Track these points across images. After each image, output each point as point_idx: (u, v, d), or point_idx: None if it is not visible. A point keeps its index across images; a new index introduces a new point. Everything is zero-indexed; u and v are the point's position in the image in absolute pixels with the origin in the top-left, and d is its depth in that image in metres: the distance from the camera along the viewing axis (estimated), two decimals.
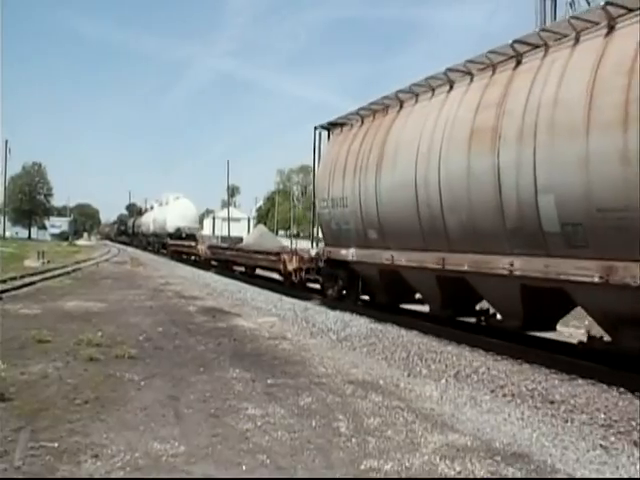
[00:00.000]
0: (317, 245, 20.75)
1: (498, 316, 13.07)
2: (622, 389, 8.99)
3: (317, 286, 21.05)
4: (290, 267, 21.84)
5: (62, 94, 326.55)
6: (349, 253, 16.91)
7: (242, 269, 31.48)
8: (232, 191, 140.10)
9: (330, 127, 19.77)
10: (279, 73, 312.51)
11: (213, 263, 36.63)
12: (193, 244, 45.20)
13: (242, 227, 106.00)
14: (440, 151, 12.63)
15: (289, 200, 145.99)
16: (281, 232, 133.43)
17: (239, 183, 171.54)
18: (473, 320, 13.93)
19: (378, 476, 5.53)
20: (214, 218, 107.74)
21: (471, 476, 5.60)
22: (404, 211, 13.89)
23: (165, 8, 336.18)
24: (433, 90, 14.06)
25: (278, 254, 23.54)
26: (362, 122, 17.49)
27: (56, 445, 5.94)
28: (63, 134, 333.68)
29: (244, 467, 5.59)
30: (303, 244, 60.98)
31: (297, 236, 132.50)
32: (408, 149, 13.94)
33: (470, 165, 11.66)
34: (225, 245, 38.18)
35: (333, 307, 18.26)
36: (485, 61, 12.32)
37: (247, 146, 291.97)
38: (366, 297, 18.27)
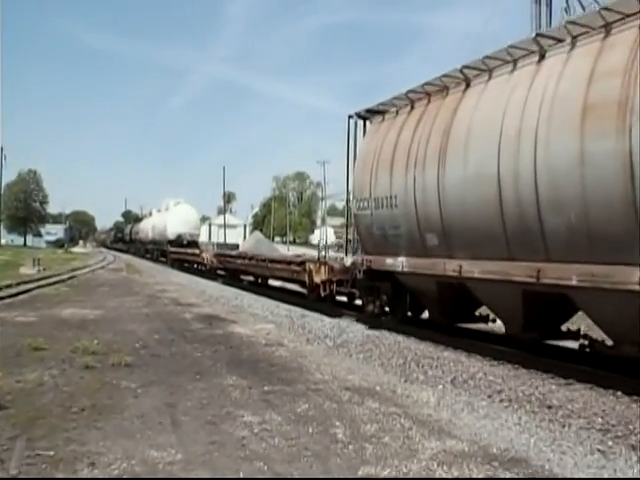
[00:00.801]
0: (325, 251, 20.45)
1: (608, 341, 10.24)
2: (619, 393, 9.01)
3: (344, 299, 19.56)
4: (317, 279, 18.81)
5: (58, 101, 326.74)
6: (397, 263, 14.42)
7: (251, 278, 30.22)
8: (228, 198, 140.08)
9: (368, 115, 17.22)
10: (276, 79, 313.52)
11: (220, 272, 34.50)
12: (197, 252, 42.54)
13: (238, 234, 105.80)
14: (536, 135, 10.20)
15: (285, 207, 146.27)
16: (277, 239, 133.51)
17: (235, 190, 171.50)
18: (572, 345, 11.55)
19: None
20: (210, 225, 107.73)
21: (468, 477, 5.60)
22: (480, 212, 11.58)
23: (163, 16, 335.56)
24: (515, 62, 11.62)
25: (302, 264, 20.60)
26: (412, 107, 14.91)
27: (52, 453, 5.91)
28: (59, 141, 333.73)
29: (241, 474, 5.57)
30: (300, 250, 61.02)
31: (293, 242, 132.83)
32: (485, 135, 11.57)
33: (584, 150, 9.27)
34: (234, 253, 34.46)
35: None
36: (594, 23, 9.94)
37: (243, 153, 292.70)
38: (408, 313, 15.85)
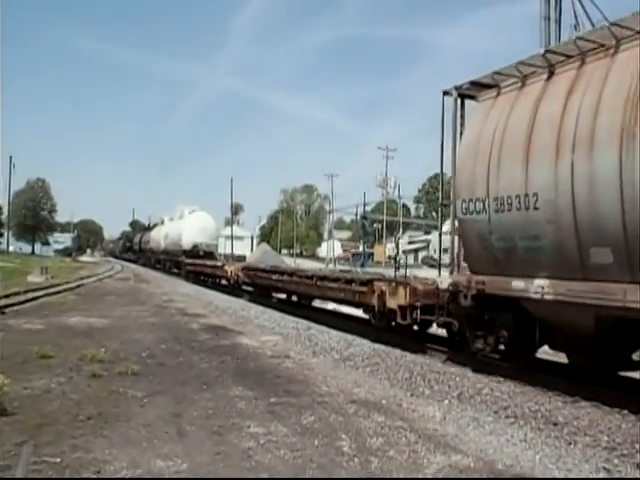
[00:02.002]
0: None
1: None
2: (625, 412, 8.98)
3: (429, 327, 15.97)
4: (393, 303, 14.86)
5: (66, 111, 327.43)
6: (533, 287, 10.70)
7: (283, 296, 27.19)
8: (235, 209, 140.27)
9: (471, 91, 13.44)
10: (282, 93, 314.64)
11: (246, 288, 31.18)
12: (219, 264, 37.92)
13: (245, 245, 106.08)
14: None
15: (292, 219, 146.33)
16: (284, 251, 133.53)
17: (242, 201, 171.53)
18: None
19: None
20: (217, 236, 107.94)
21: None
22: None
23: (169, 29, 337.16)
24: None
25: (369, 283, 16.58)
26: (551, 72, 11.25)
27: (58, 460, 5.94)
28: (67, 151, 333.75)
29: None
30: (307, 264, 60.97)
31: (300, 255, 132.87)
32: None
33: None
34: (268, 267, 28.38)
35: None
36: None
37: (250, 165, 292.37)
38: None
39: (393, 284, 15.30)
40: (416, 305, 14.23)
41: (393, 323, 15.27)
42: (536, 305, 10.96)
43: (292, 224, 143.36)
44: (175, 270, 52.94)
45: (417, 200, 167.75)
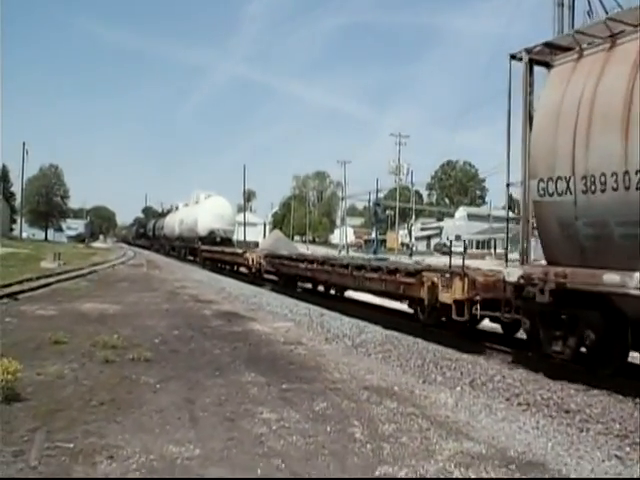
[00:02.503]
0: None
1: None
2: (638, 400, 8.94)
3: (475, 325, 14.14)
4: (447, 297, 13.16)
5: (80, 97, 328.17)
6: (630, 281, 8.94)
7: (309, 286, 25.52)
8: (248, 196, 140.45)
9: (545, 54, 11.58)
10: (295, 79, 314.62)
11: (268, 277, 29.18)
12: (239, 251, 34.95)
13: (258, 232, 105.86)
14: None
15: (305, 206, 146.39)
16: (297, 238, 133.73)
17: (255, 188, 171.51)
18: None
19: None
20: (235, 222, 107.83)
21: (480, 477, 5.60)
22: None
23: (182, 15, 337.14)
24: None
25: (418, 274, 14.61)
26: None
27: (72, 446, 5.97)
28: (80, 137, 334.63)
29: (259, 471, 5.59)
30: (320, 251, 60.84)
31: (313, 242, 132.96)
32: None
33: None
34: (294, 255, 26.65)
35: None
36: None
37: (263, 151, 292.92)
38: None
39: (447, 275, 13.39)
40: (475, 299, 12.57)
41: (443, 319, 13.94)
42: (632, 302, 9.15)
43: (304, 211, 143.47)
44: (190, 257, 51.76)
45: (430, 187, 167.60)
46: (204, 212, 52.82)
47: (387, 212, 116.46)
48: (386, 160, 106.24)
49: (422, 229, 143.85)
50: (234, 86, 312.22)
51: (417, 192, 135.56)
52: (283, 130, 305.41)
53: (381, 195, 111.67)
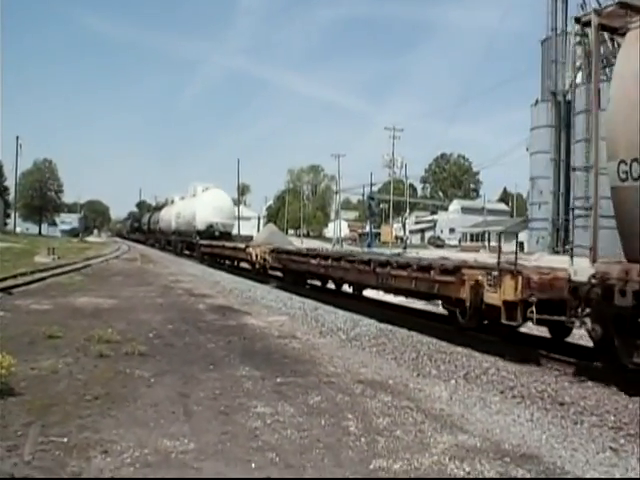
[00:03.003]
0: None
1: None
2: (632, 391, 8.95)
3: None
4: (496, 297, 11.45)
5: (73, 91, 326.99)
6: None
7: (317, 282, 23.86)
8: (242, 190, 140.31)
9: (616, 18, 9.93)
10: (291, 71, 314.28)
11: (272, 273, 27.27)
12: (240, 246, 32.59)
13: (252, 226, 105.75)
14: None
15: (299, 199, 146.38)
16: (291, 231, 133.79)
17: (249, 182, 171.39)
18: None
19: (387, 476, 5.54)
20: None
21: (480, 477, 5.60)
22: None
23: (176, 6, 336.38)
24: None
25: (457, 271, 12.79)
26: None
27: (66, 440, 5.95)
28: (74, 131, 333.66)
29: (253, 465, 5.59)
30: (314, 244, 60.85)
31: (307, 235, 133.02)
32: None
33: None
34: (304, 250, 25.14)
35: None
36: None
37: (257, 145, 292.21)
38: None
39: (495, 273, 11.67)
40: (530, 301, 10.80)
41: (485, 322, 12.55)
42: None
43: (299, 204, 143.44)
44: (187, 252, 50.29)
45: (424, 180, 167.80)
46: (202, 205, 51.02)
47: (381, 205, 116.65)
48: (380, 153, 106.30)
49: (416, 222, 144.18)
50: (229, 79, 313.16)
51: (411, 185, 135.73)
52: (277, 123, 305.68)
53: (375, 189, 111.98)
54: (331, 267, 19.63)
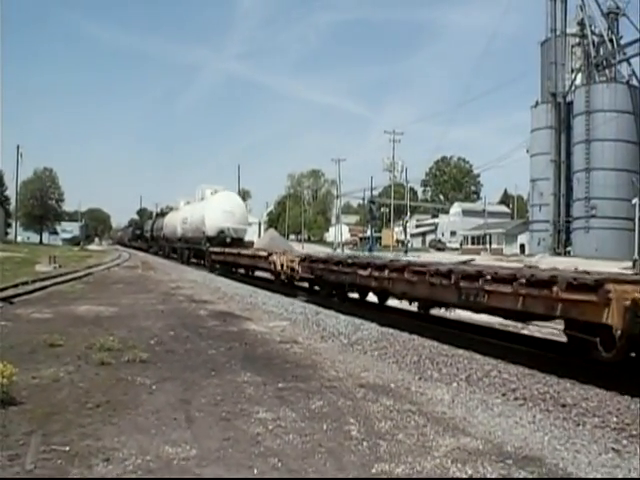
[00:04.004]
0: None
1: None
2: (634, 392, 8.94)
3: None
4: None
5: (73, 100, 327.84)
6: None
7: (355, 295, 19.74)
8: (243, 195, 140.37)
9: None
10: (289, 76, 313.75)
11: (300, 284, 24.00)
12: (262, 254, 27.52)
13: (253, 231, 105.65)
14: None
15: (300, 204, 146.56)
16: (292, 236, 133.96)
17: (250, 187, 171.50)
18: None
19: (388, 477, 5.54)
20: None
21: (482, 479, 5.59)
22: None
23: (174, 11, 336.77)
24: None
25: (600, 287, 8.90)
26: None
27: (67, 449, 5.95)
28: (74, 140, 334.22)
29: (255, 470, 5.59)
30: (316, 249, 60.81)
31: (308, 240, 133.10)
32: None
33: None
34: (349, 260, 18.84)
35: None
36: None
37: (257, 150, 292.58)
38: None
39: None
40: None
41: (632, 354, 9.69)
42: None
43: (299, 209, 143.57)
44: (194, 260, 47.07)
45: (424, 183, 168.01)
46: (212, 209, 45.74)
47: (382, 209, 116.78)
48: (380, 157, 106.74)
49: (417, 226, 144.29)
50: (227, 85, 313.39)
51: (412, 189, 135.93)
52: (277, 128, 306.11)
53: (376, 192, 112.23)
54: (389, 279, 15.49)
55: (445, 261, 17.82)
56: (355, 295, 19.90)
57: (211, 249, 39.70)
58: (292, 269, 22.86)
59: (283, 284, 24.36)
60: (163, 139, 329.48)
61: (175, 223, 55.73)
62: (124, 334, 12.76)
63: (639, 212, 61.61)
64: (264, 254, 26.93)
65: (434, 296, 13.85)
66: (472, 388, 9.38)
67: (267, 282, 27.72)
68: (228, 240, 42.69)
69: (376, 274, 16.15)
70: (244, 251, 32.86)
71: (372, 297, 19.10)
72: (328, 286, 20.38)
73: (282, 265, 23.71)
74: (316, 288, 22.62)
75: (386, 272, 15.63)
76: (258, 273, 31.09)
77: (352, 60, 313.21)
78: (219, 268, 37.52)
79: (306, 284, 23.72)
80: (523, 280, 10.70)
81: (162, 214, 72.06)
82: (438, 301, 14.46)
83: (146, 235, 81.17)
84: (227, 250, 35.85)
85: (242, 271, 34.14)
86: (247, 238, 50.21)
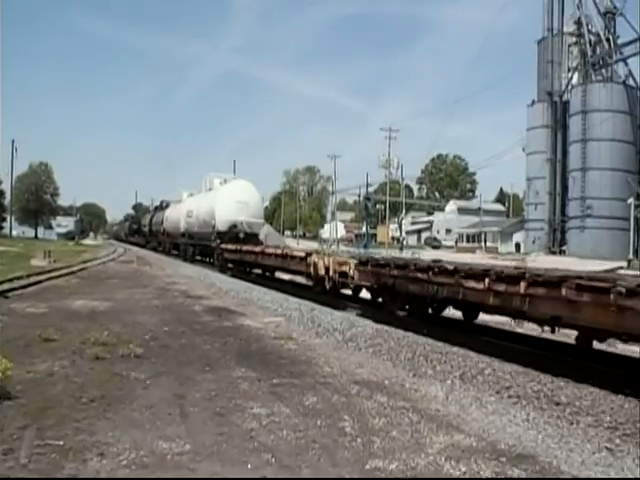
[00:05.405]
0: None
1: None
2: (628, 391, 8.97)
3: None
4: None
5: (68, 94, 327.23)
6: None
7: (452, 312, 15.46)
8: None
9: None
10: (285, 71, 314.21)
11: (344, 292, 19.86)
12: (299, 254, 22.38)
13: None
14: None
15: (295, 201, 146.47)
16: (287, 232, 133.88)
17: None
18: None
19: (383, 476, 5.54)
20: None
21: (476, 477, 5.60)
22: None
23: (170, 6, 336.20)
24: None
25: None
26: None
27: (62, 443, 5.95)
28: (69, 134, 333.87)
29: (249, 465, 5.60)
30: (311, 245, 60.80)
31: (303, 236, 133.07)
32: None
33: None
34: (436, 268, 13.13)
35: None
36: None
37: (253, 146, 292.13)
38: None
39: None
40: None
41: None
42: None
43: (295, 206, 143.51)
44: (200, 257, 42.96)
45: (420, 181, 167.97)
46: (224, 200, 38.95)
47: (377, 206, 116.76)
48: (376, 154, 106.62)
49: (413, 223, 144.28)
50: (223, 79, 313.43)
51: (407, 186, 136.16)
52: (272, 124, 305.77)
53: (371, 189, 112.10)
54: (526, 297, 10.50)
55: (498, 264, 15.75)
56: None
57: (222, 246, 35.20)
58: (343, 274, 18.61)
59: (324, 291, 19.75)
60: (158, 134, 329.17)
61: (178, 217, 49.68)
62: (119, 329, 12.74)
63: (634, 212, 61.76)
64: (300, 254, 22.18)
65: (574, 317, 9.71)
66: (466, 385, 9.39)
67: (294, 286, 25.05)
68: (241, 235, 36.80)
69: (501, 289, 11.13)
70: (270, 249, 26.54)
71: (451, 311, 15.56)
72: (402, 299, 15.56)
73: (327, 269, 19.22)
74: (379, 300, 17.82)
75: (522, 286, 10.54)
76: (279, 275, 28.39)
77: (348, 55, 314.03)
78: (232, 268, 33.07)
79: (350, 292, 20.13)
80: None
81: (162, 207, 65.91)
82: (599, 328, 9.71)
83: (144, 230, 76.73)
84: (245, 248, 30.37)
85: (258, 271, 30.43)
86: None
